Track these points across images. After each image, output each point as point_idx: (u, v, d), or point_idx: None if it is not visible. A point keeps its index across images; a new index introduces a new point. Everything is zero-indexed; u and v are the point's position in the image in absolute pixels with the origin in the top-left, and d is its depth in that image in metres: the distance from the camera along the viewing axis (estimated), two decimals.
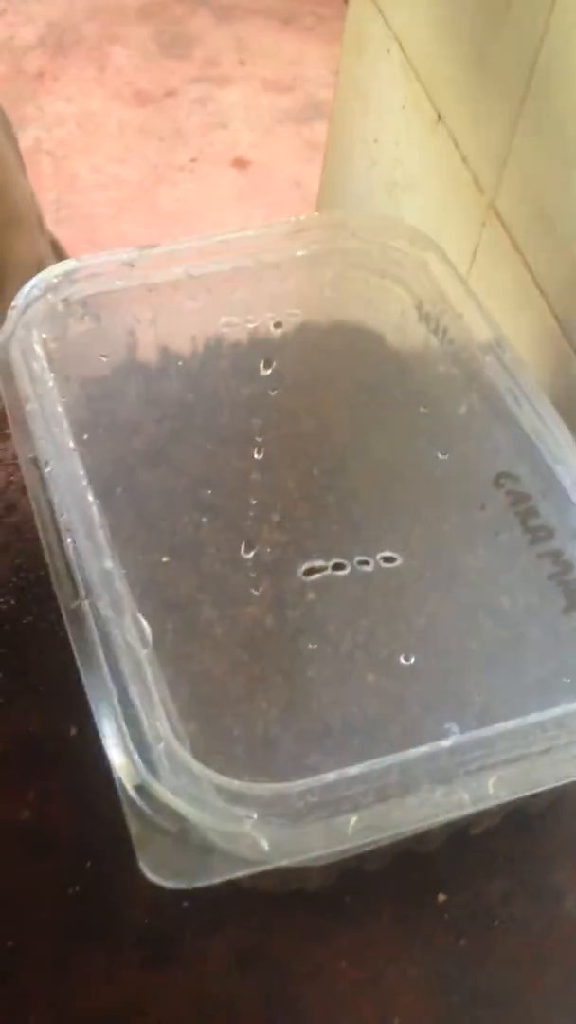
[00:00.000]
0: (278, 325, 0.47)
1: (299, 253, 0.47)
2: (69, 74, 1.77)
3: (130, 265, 0.46)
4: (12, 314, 0.43)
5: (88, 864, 0.39)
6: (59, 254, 0.75)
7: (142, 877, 0.31)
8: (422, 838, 0.38)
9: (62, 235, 0.82)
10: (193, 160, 1.66)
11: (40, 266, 0.67)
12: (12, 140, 0.71)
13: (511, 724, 0.33)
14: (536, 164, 0.53)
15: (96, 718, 0.33)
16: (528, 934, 0.38)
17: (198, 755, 0.33)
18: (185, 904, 0.38)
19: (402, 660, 0.37)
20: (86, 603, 0.35)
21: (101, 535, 0.37)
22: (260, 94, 1.78)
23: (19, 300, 0.43)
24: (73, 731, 0.41)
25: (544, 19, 0.50)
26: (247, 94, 1.78)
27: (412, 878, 0.39)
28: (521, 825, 0.39)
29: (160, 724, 0.33)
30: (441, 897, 0.39)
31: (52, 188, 1.56)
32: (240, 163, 1.66)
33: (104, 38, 1.84)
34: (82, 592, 0.36)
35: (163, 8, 1.92)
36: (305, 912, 0.38)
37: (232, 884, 0.34)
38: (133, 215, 1.57)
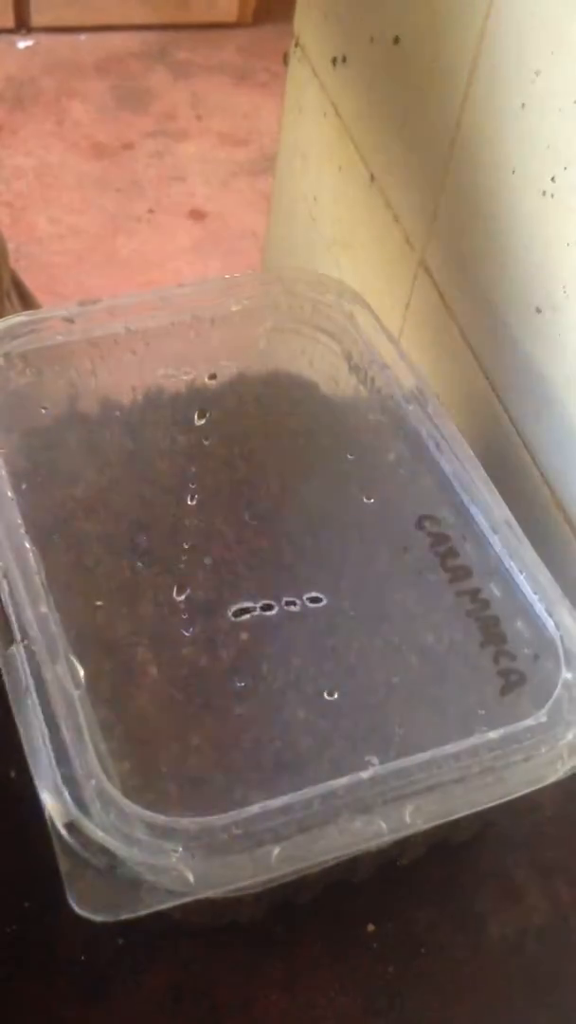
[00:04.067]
0: (212, 377, 0.49)
1: (234, 308, 0.50)
2: (28, 127, 1.81)
3: (70, 320, 0.48)
4: None
5: (25, 904, 0.39)
6: (22, 295, 0.76)
7: (78, 915, 0.32)
8: (352, 869, 0.39)
9: None
10: (151, 211, 1.70)
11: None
12: None
13: (427, 755, 0.35)
14: (460, 223, 0.56)
15: (28, 758, 0.34)
16: (453, 961, 0.39)
17: (130, 792, 0.34)
18: (120, 941, 0.39)
19: (326, 696, 0.38)
20: (21, 646, 0.37)
21: (37, 580, 0.39)
22: (216, 147, 1.83)
23: None
24: (12, 773, 0.42)
25: (464, 89, 0.53)
26: (203, 148, 1.82)
27: (342, 909, 0.40)
28: (446, 855, 0.41)
29: (91, 762, 0.34)
30: (370, 927, 0.40)
31: (11, 239, 1.58)
32: (197, 214, 1.70)
33: (62, 92, 1.88)
34: (17, 635, 0.37)
35: (120, 64, 1.97)
36: (238, 945, 0.39)
37: (166, 919, 0.35)
38: (91, 265, 1.60)
